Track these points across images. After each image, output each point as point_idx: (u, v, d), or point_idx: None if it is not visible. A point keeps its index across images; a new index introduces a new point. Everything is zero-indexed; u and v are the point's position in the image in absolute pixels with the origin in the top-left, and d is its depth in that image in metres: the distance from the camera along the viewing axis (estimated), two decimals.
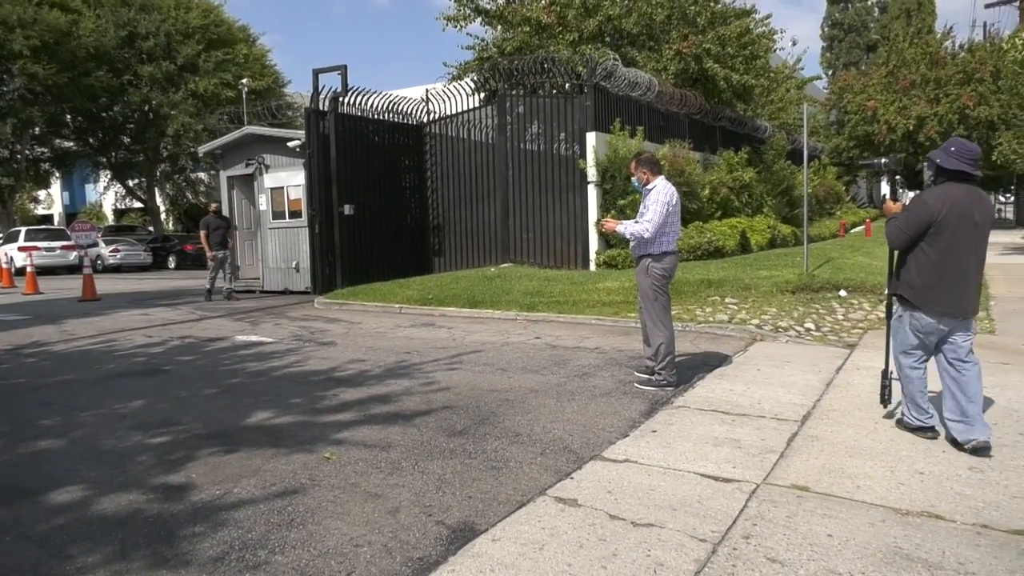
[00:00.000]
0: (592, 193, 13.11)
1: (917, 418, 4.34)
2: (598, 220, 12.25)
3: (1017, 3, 28.24)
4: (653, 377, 5.72)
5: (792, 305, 8.87)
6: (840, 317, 8.39)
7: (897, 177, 4.92)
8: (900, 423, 4.51)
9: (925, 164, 4.31)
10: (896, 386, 4.56)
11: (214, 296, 13.69)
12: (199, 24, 31.45)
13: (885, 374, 4.68)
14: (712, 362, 6.54)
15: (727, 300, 9.30)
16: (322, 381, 6.27)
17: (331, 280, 13.40)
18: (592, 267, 13.18)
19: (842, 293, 9.36)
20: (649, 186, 5.68)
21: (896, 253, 4.36)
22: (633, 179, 5.86)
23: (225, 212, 15.77)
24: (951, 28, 35.13)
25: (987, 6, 32.94)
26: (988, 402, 4.99)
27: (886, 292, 4.73)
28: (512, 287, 11.14)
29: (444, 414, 5.06)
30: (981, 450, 3.95)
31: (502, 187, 14.36)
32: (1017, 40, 15.95)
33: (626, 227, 5.73)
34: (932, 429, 4.29)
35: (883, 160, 4.99)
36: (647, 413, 4.99)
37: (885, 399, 4.69)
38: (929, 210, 4.04)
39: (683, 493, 3.54)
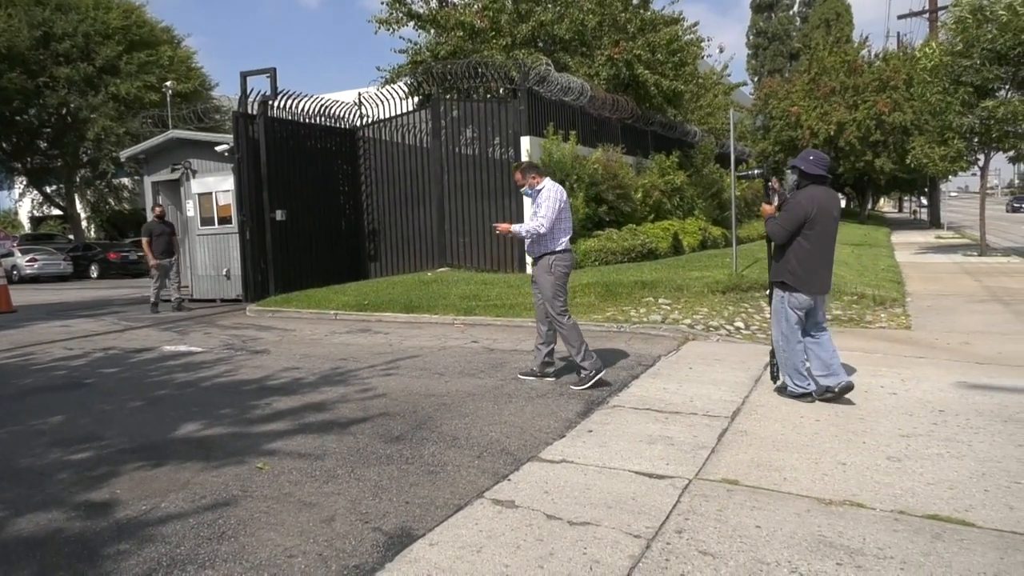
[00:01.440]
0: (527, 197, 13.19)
1: (799, 385, 5.15)
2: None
3: (927, 15, 29.76)
4: (582, 375, 5.79)
5: (723, 305, 9.11)
6: (768, 315, 8.65)
7: (769, 183, 5.51)
8: (783, 391, 5.28)
9: (789, 170, 5.05)
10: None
11: (160, 308, 12.75)
12: (119, 25, 30.36)
13: (772, 354, 5.51)
14: (646, 362, 6.66)
15: (660, 301, 9.49)
16: (254, 390, 6.13)
17: (263, 287, 13.10)
18: (528, 270, 13.25)
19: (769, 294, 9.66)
20: (539, 187, 5.91)
21: (773, 247, 5.22)
22: (523, 188, 6.03)
23: (150, 218, 15.25)
24: (867, 38, 36.80)
25: (900, 17, 34.60)
26: (905, 394, 5.24)
27: (769, 282, 5.47)
28: (449, 291, 11.11)
29: (381, 420, 5.01)
30: (846, 389, 5.00)
31: (437, 191, 14.32)
32: (927, 50, 16.80)
33: (521, 226, 5.93)
34: (811, 394, 5.11)
35: (757, 170, 5.78)
36: (583, 413, 5.05)
37: (774, 376, 5.52)
38: (804, 209, 4.91)
39: (618, 491, 3.60)
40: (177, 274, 13.11)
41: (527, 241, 5.94)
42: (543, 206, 5.78)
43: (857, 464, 3.86)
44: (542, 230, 5.75)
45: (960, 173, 18.92)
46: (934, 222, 33.62)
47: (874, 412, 4.80)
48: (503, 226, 6.09)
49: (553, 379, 6.06)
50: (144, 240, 12.91)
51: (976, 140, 16.03)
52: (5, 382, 6.94)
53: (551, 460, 4.09)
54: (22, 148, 33.12)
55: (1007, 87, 15.17)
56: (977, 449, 4.03)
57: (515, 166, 6.26)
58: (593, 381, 5.70)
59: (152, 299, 12.88)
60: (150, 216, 14.83)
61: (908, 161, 19.17)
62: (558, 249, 5.84)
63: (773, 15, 56.93)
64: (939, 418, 4.64)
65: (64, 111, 30.82)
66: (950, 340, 7.23)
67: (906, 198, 55.67)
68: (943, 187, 37.20)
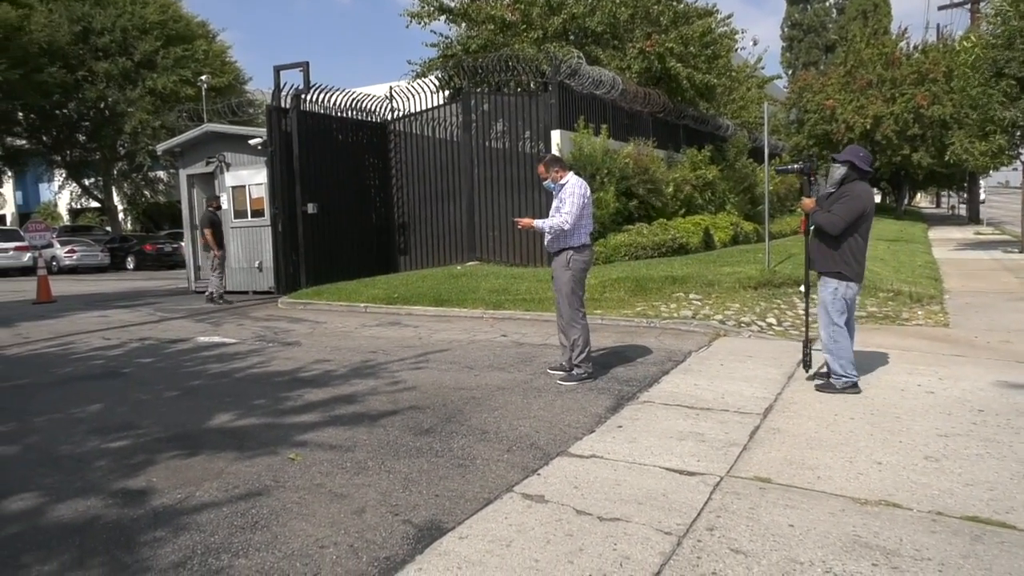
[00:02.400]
0: None
1: (852, 375, 5.20)
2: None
3: (969, 5, 29.03)
4: (573, 372, 5.81)
5: (754, 301, 9.00)
6: (801, 312, 8.53)
7: (810, 177, 5.47)
8: (826, 387, 5.27)
9: (834, 165, 4.98)
10: (816, 356, 5.57)
11: (216, 300, 12.63)
12: (156, 20, 30.83)
13: (807, 343, 5.61)
14: (676, 357, 6.60)
15: (691, 296, 9.40)
16: (286, 382, 6.20)
17: (295, 280, 13.24)
18: None
19: (802, 288, 9.52)
20: (562, 181, 5.89)
21: (817, 240, 5.31)
22: (546, 182, 5.99)
23: (184, 212, 15.50)
24: (906, 29, 35.95)
25: (940, 8, 33.79)
26: (943, 393, 5.13)
27: (811, 273, 5.59)
28: (478, 285, 11.12)
29: (410, 413, 5.04)
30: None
31: (467, 185, 14.33)
32: (967, 43, 16.37)
33: (544, 222, 5.88)
34: (856, 385, 5.18)
35: (797, 164, 5.70)
36: (613, 409, 5.02)
37: (807, 365, 5.62)
38: (863, 202, 5.07)
39: (649, 487, 3.58)
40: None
41: (547, 237, 5.92)
42: (567, 202, 5.74)
43: (893, 464, 3.79)
44: (566, 227, 5.72)
45: (1001, 168, 18.42)
46: (973, 218, 32.85)
47: (911, 411, 4.71)
48: (525, 221, 6.07)
49: (583, 374, 6.03)
50: (208, 231, 12.79)
51: (1019, 134, 15.60)
52: (45, 370, 7.11)
53: (581, 455, 4.08)
54: (61, 141, 33.85)
55: None
56: (1018, 450, 3.93)
57: (539, 159, 6.25)
58: (580, 382, 5.74)
59: (220, 290, 12.70)
60: (189, 209, 15.07)
61: (947, 156, 18.73)
62: (577, 245, 5.82)
63: (808, 6, 55.95)
64: (978, 418, 4.53)
65: (102, 105, 31.41)
66: (990, 338, 7.06)
67: (944, 193, 54.44)
68: (983, 182, 36.28)
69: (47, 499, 3.64)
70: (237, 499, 3.55)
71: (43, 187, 46.31)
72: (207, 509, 3.44)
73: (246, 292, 14.23)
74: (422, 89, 15.08)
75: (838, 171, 5.18)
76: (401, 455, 4.15)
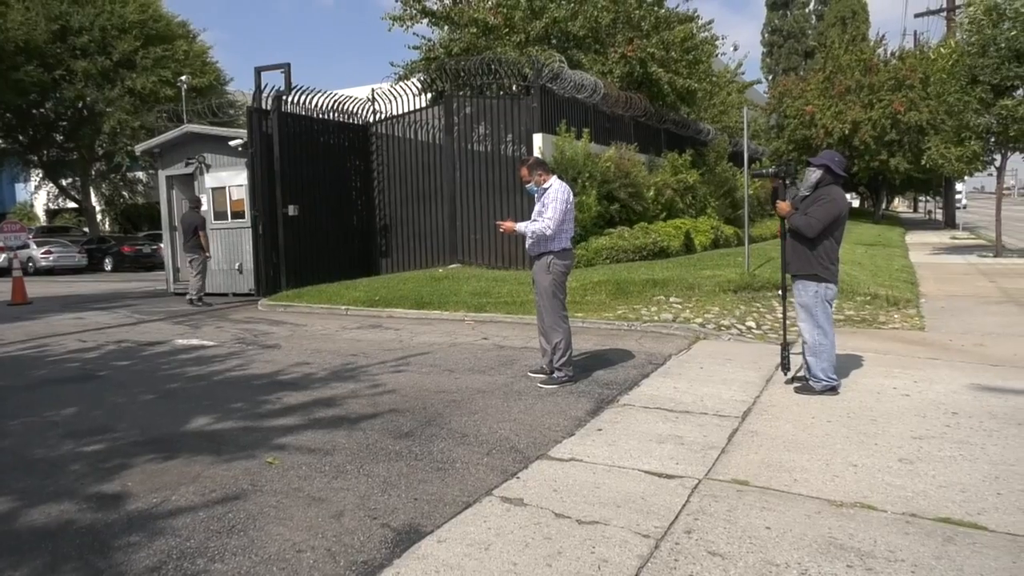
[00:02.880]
0: None
1: (833, 378, 5.29)
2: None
3: (945, 13, 29.47)
4: (553, 375, 5.83)
5: (734, 304, 9.07)
6: (780, 315, 8.61)
7: (785, 181, 5.54)
8: (805, 389, 5.35)
9: (809, 168, 5.06)
10: (794, 359, 5.73)
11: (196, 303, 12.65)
12: (136, 19, 30.52)
13: (785, 346, 5.73)
14: (656, 361, 6.64)
15: (671, 299, 9.45)
16: (265, 385, 6.15)
17: (275, 282, 13.15)
18: None
19: (781, 292, 9.61)
20: (545, 185, 5.87)
21: (792, 244, 5.37)
22: (529, 185, 5.98)
23: (163, 213, 15.34)
24: (883, 36, 36.35)
25: (917, 15, 34.27)
26: (918, 396, 5.19)
27: (786, 276, 5.65)
28: (460, 288, 11.11)
29: (390, 416, 5.02)
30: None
31: (450, 188, 14.32)
32: (943, 50, 16.63)
33: (526, 226, 5.87)
34: (835, 388, 5.30)
35: (772, 169, 5.79)
36: (593, 412, 5.04)
37: (786, 368, 5.69)
38: (839, 206, 5.18)
39: (627, 490, 3.59)
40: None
41: (528, 241, 5.91)
42: (549, 207, 5.74)
43: (868, 466, 3.83)
44: (548, 232, 5.72)
45: (976, 173, 18.72)
46: (949, 222, 33.32)
47: (886, 414, 4.77)
48: (507, 225, 6.05)
49: (564, 377, 6.05)
50: (203, 233, 12.78)
51: (993, 140, 15.87)
52: (20, 373, 7.01)
53: (560, 458, 4.09)
54: (38, 141, 33.42)
55: None
56: (990, 452, 3.99)
57: (522, 161, 6.24)
58: (560, 385, 5.76)
59: (197, 293, 12.68)
60: (168, 210, 14.92)
61: (924, 161, 18.99)
62: (558, 249, 5.83)
63: (789, 13, 56.52)
64: (952, 420, 4.60)
65: (80, 104, 31.05)
66: (964, 342, 7.16)
67: (921, 198, 55.16)
68: (960, 187, 36.81)
69: (20, 503, 3.59)
70: (214, 503, 3.52)
71: (19, 187, 45.70)
72: (183, 513, 3.41)
73: (226, 294, 14.10)
74: (404, 92, 15.06)
75: (813, 175, 5.26)
76: (380, 458, 4.13)
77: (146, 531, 3.22)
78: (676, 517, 3.26)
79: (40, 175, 36.47)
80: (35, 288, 16.78)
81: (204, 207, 14.01)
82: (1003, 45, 14.30)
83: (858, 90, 29.22)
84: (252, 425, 4.90)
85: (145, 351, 8.10)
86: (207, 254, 12.86)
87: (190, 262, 12.89)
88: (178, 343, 8.60)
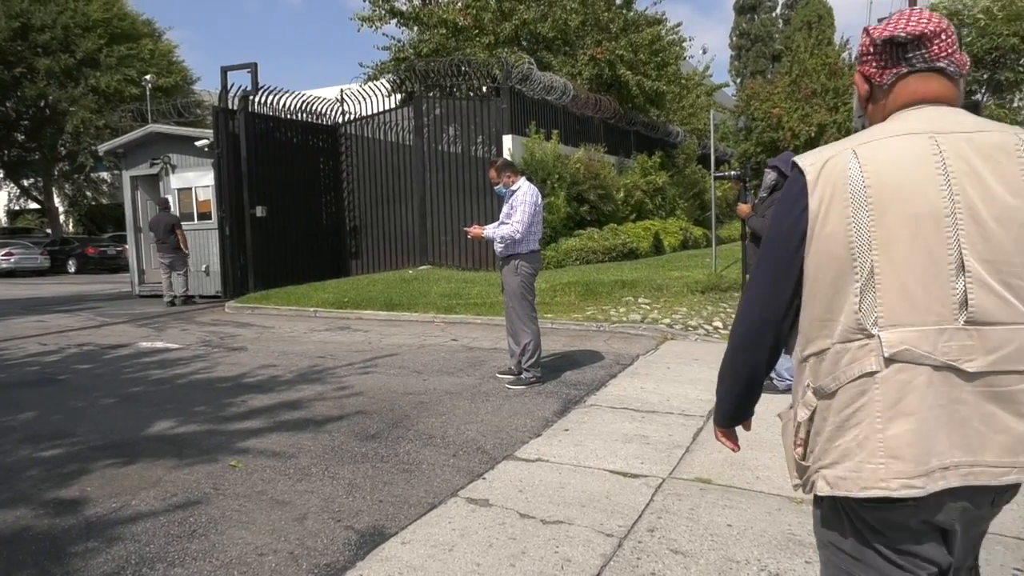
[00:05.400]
0: None
1: (789, 379, 5.17)
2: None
3: None
4: (522, 376, 5.86)
5: (702, 304, 9.16)
6: None
7: (746, 184, 5.63)
8: (768, 387, 5.28)
9: (768, 170, 5.12)
10: None
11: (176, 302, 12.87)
12: (100, 17, 29.95)
13: None
14: (624, 361, 6.68)
15: (640, 300, 9.53)
16: (230, 388, 6.08)
17: (243, 284, 13.00)
18: None
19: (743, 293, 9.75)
20: (514, 187, 5.87)
21: (751, 246, 5.42)
22: (497, 186, 5.99)
23: (128, 214, 15.09)
24: (848, 40, 36.98)
25: (880, 20, 34.86)
26: None
27: (747, 276, 5.62)
28: (430, 289, 11.09)
29: (357, 418, 4.99)
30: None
31: (420, 189, 14.28)
32: None
33: (495, 231, 5.86)
34: None
35: (734, 172, 5.82)
36: (560, 412, 5.06)
37: None
38: None
39: (592, 489, 3.61)
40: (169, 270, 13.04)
41: (498, 245, 5.91)
42: (518, 210, 5.74)
43: None
44: (517, 236, 5.72)
45: None
46: None
47: None
48: (475, 230, 6.03)
49: (532, 378, 6.07)
50: (179, 231, 12.78)
51: None
52: None
53: (527, 459, 4.10)
54: None
55: (983, 90, 15.38)
56: None
57: (490, 163, 6.23)
58: (528, 386, 5.80)
59: (184, 292, 12.95)
60: (132, 211, 14.69)
61: None
62: (526, 251, 5.84)
63: (756, 17, 57.26)
64: None
65: (43, 103, 30.40)
66: None
67: None
68: None
69: None
70: (175, 508, 3.47)
71: None
72: (143, 518, 3.36)
73: (192, 296, 13.90)
74: (374, 92, 14.98)
75: (768, 176, 5.33)
76: (346, 461, 4.11)
77: (104, 537, 3.17)
78: (640, 516, 3.28)
79: (1, 175, 35.60)
80: None
81: (170, 208, 13.81)
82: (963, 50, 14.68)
83: (824, 93, 29.66)
84: (216, 428, 4.84)
85: (108, 354, 7.96)
86: (186, 251, 12.86)
87: (168, 263, 12.75)
88: (142, 346, 8.46)
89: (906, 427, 1.29)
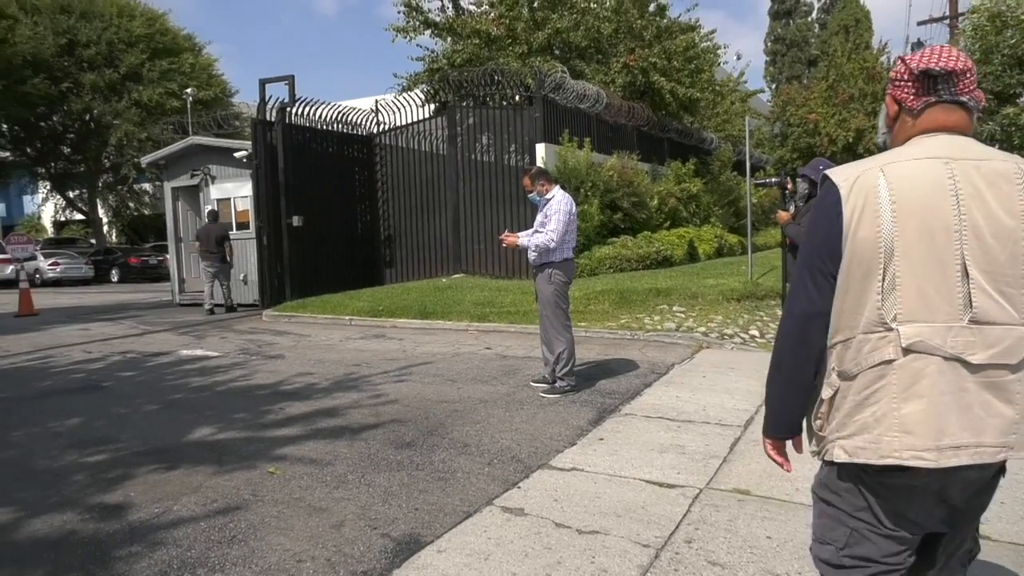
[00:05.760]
0: None
1: None
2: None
3: (947, 21, 29.49)
4: (556, 384, 5.83)
5: (738, 313, 9.06)
6: None
7: (786, 191, 5.53)
8: None
9: (800, 178, 5.03)
10: None
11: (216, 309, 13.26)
12: (143, 33, 30.80)
13: None
14: (659, 370, 6.63)
15: (675, 308, 9.45)
16: (268, 395, 6.17)
17: (279, 292, 13.19)
18: None
19: (783, 301, 9.62)
20: (548, 196, 5.87)
21: (790, 254, 5.42)
22: (531, 194, 6.00)
23: (169, 224, 15.43)
24: (886, 44, 36.52)
25: (920, 23, 34.30)
26: None
27: (787, 285, 5.53)
28: (463, 298, 11.13)
29: (392, 426, 5.03)
30: None
31: (453, 198, 14.36)
32: None
33: (530, 239, 5.85)
34: None
35: (775, 179, 5.73)
36: (595, 421, 5.04)
37: None
38: None
39: (628, 499, 3.59)
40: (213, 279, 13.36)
41: (532, 253, 5.92)
42: (552, 219, 5.74)
43: None
44: (552, 244, 5.72)
45: None
46: None
47: None
48: (510, 239, 6.04)
49: (566, 386, 6.05)
50: (229, 243, 13.24)
51: (997, 147, 15.87)
52: (25, 384, 7.04)
53: (561, 468, 4.09)
54: (46, 153, 33.64)
55: None
56: None
57: (524, 171, 6.24)
58: (562, 395, 5.78)
59: (230, 300, 13.35)
60: (173, 221, 15.00)
61: None
62: (560, 259, 5.83)
63: (791, 22, 56.62)
64: None
65: (88, 117, 31.29)
66: None
67: None
68: None
69: (22, 514, 3.60)
70: (215, 513, 3.53)
71: (26, 199, 45.94)
72: (184, 524, 3.42)
73: (233, 305, 14.14)
74: (408, 103, 15.13)
75: (802, 186, 5.30)
76: (381, 468, 4.14)
77: (147, 541, 3.23)
78: (677, 527, 3.25)
79: (48, 187, 36.67)
80: (42, 299, 16.87)
81: (219, 219, 14.14)
82: (1006, 52, 14.32)
83: (861, 98, 29.22)
84: (254, 435, 4.91)
85: (149, 362, 8.13)
86: (231, 263, 13.30)
87: (214, 272, 13.09)
88: (182, 354, 8.63)
89: (919, 407, 1.54)
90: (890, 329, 1.56)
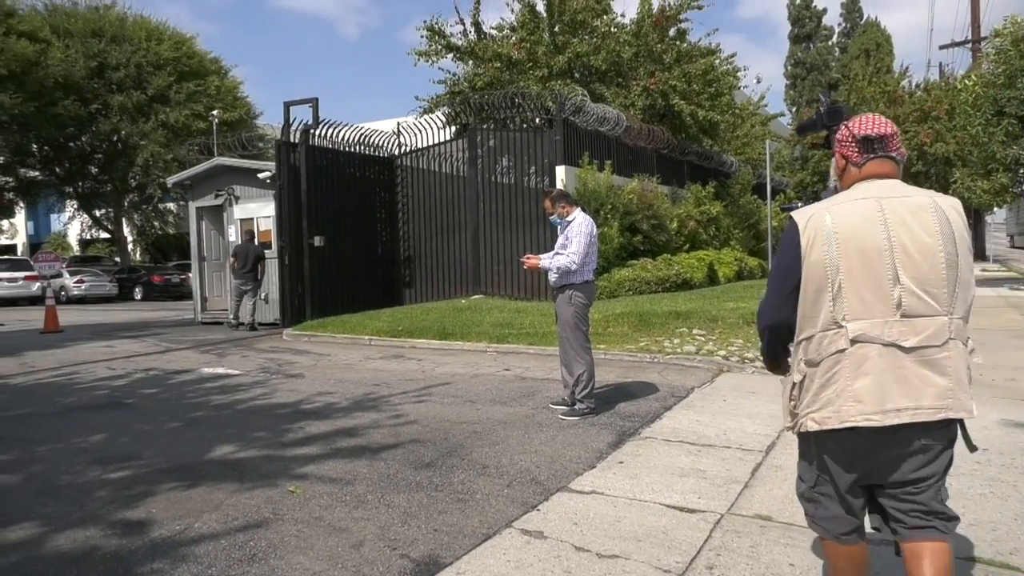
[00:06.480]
0: None
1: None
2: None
3: (970, 44, 29.37)
4: (575, 406, 5.81)
5: (758, 336, 8.98)
6: None
7: None
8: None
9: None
10: None
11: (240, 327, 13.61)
12: (171, 56, 31.43)
13: None
14: (679, 393, 6.59)
15: (695, 331, 9.40)
16: (288, 414, 6.20)
17: (300, 312, 13.30)
18: None
19: None
20: (569, 218, 5.90)
21: None
22: (552, 216, 6.04)
23: (193, 243, 15.64)
24: (908, 68, 36.37)
25: (942, 47, 34.18)
26: None
27: None
28: (482, 319, 11.15)
29: (411, 447, 5.03)
30: None
31: (473, 219, 14.44)
32: (968, 82, 16.55)
33: (551, 262, 5.87)
34: None
35: (800, 203, 5.75)
36: (615, 444, 5.01)
37: None
38: None
39: (649, 524, 3.56)
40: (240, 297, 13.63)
41: (552, 275, 5.93)
42: (574, 241, 5.77)
43: None
44: (573, 267, 5.75)
45: (1004, 205, 18.49)
46: (978, 255, 32.82)
47: None
48: (532, 261, 6.07)
49: (586, 409, 6.03)
50: (263, 263, 13.58)
51: (1022, 171, 15.69)
52: (50, 400, 7.13)
53: (581, 491, 4.07)
54: (74, 173, 34.28)
55: None
56: (1022, 489, 3.90)
57: (545, 193, 6.28)
58: (582, 417, 5.75)
59: (255, 319, 13.62)
60: (197, 240, 15.22)
61: (950, 193, 18.81)
62: (580, 281, 5.85)
63: (812, 45, 56.64)
64: (982, 457, 4.50)
65: (115, 137, 31.86)
66: (995, 376, 7.02)
67: None
68: (988, 219, 36.32)
69: (46, 529, 3.64)
70: (236, 531, 3.55)
71: (54, 218, 46.80)
72: (205, 541, 3.44)
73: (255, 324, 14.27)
74: (429, 125, 15.29)
75: None
76: (401, 489, 4.14)
77: (169, 558, 3.25)
78: (698, 552, 3.22)
79: (75, 206, 37.32)
80: (67, 316, 17.11)
81: (232, 238, 14.31)
82: None
83: None
84: (275, 454, 4.94)
85: (172, 379, 8.21)
86: (260, 282, 13.58)
87: (247, 291, 13.40)
88: (204, 372, 8.71)
89: (866, 382, 2.09)
90: (841, 326, 2.11)
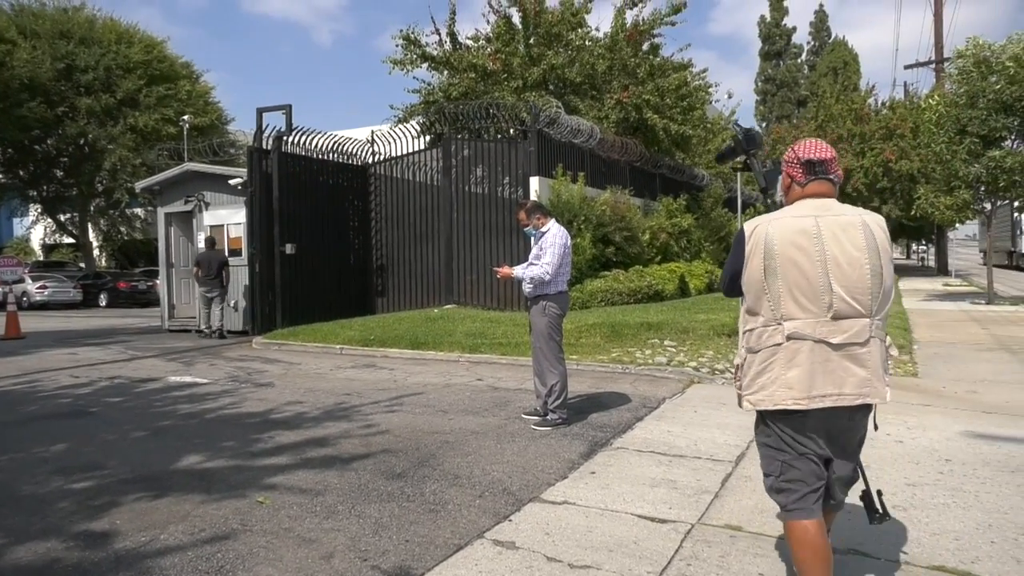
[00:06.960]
0: None
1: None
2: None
3: (933, 65, 30.11)
4: (547, 417, 5.84)
5: (728, 348, 9.09)
6: None
7: None
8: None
9: None
10: None
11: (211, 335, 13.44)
12: (141, 59, 31.01)
13: None
14: (650, 404, 6.63)
15: (666, 343, 9.48)
16: (257, 423, 6.12)
17: (271, 320, 13.15)
18: None
19: None
20: (544, 229, 5.95)
21: None
22: (527, 228, 6.07)
23: (161, 249, 15.41)
24: (874, 86, 37.26)
25: (907, 67, 34.97)
26: (911, 442, 5.20)
27: None
28: (455, 328, 11.12)
29: (383, 457, 5.00)
30: None
31: (446, 229, 14.43)
32: (931, 101, 16.95)
33: (524, 272, 5.90)
34: None
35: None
36: (586, 455, 5.03)
37: None
38: None
39: (620, 534, 3.57)
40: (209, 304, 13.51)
41: (526, 286, 5.96)
42: (548, 251, 5.81)
43: (862, 512, 3.82)
44: (547, 277, 5.79)
45: (967, 221, 18.92)
46: (942, 269, 33.55)
47: (879, 460, 4.76)
48: (504, 271, 6.10)
49: (558, 419, 6.04)
50: (227, 270, 13.43)
51: (983, 189, 16.07)
52: (10, 409, 6.96)
53: (553, 501, 4.07)
54: (39, 176, 33.55)
55: (1014, 137, 15.24)
56: (984, 500, 3.99)
57: (520, 205, 6.30)
58: (554, 427, 5.77)
59: (222, 326, 13.47)
60: (165, 247, 15.00)
61: (914, 210, 19.22)
62: (554, 292, 5.88)
63: (781, 63, 57.68)
64: (945, 467, 4.60)
65: (82, 141, 31.30)
66: (957, 388, 7.18)
67: (914, 245, 55.72)
68: (951, 235, 37.16)
69: (5, 540, 3.55)
70: (203, 543, 3.49)
71: (16, 222, 45.78)
72: (171, 553, 3.37)
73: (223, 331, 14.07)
74: (403, 134, 15.27)
75: None
76: (372, 499, 4.11)
77: (133, 570, 3.19)
78: (669, 562, 3.24)
79: (39, 210, 36.53)
80: (29, 323, 16.73)
81: (201, 246, 14.12)
82: (991, 97, 14.59)
83: (850, 138, 29.68)
84: (243, 464, 4.87)
85: (138, 388, 8.07)
86: (226, 288, 13.41)
87: (212, 297, 13.27)
88: (171, 380, 8.57)
89: (797, 372, 2.48)
90: (779, 324, 2.50)
